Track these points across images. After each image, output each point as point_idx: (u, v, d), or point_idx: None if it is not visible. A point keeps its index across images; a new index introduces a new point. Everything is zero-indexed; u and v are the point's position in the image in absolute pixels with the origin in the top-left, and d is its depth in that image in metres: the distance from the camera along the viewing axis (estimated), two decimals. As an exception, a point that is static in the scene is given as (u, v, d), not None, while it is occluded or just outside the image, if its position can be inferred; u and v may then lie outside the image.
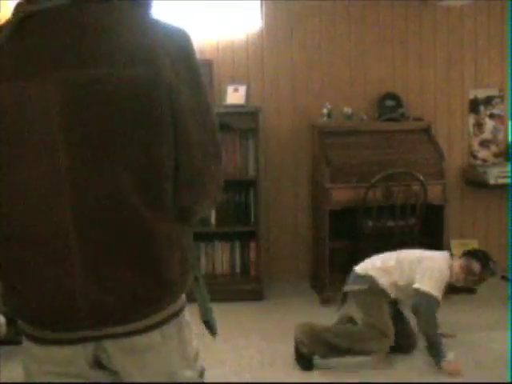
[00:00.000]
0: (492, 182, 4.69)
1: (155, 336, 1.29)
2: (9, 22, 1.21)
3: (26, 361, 1.33)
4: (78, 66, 1.17)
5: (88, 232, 1.21)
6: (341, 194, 4.32)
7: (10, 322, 3.04)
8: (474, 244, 5.04)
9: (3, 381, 3.12)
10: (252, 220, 4.60)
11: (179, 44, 1.28)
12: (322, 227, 4.46)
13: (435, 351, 3.29)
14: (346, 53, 4.87)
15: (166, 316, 1.30)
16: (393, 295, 3.39)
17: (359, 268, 3.49)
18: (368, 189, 4.18)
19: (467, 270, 3.44)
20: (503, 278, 4.87)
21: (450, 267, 3.41)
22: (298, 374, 3.33)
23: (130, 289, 1.23)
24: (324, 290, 4.48)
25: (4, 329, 3.10)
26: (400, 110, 4.77)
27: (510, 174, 4.68)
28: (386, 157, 4.43)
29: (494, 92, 5.01)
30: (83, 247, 1.21)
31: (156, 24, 1.26)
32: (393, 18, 4.89)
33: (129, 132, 1.19)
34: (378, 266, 3.44)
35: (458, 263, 3.45)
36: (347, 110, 4.73)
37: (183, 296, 1.37)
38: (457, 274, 3.42)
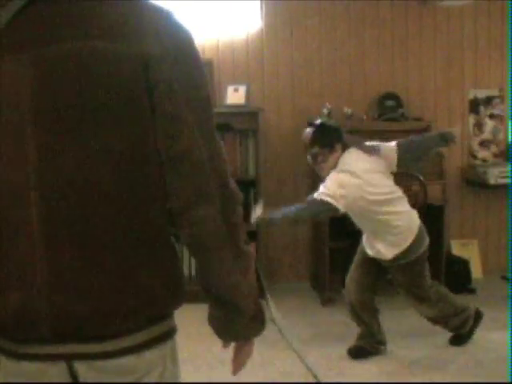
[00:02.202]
0: (492, 181, 4.69)
1: (131, 362, 1.09)
2: None
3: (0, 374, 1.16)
4: (52, 40, 1.07)
5: (55, 228, 1.05)
6: (341, 194, 4.31)
7: None
8: (474, 244, 5.04)
9: None
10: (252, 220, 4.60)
11: (179, 37, 1.16)
12: (322, 227, 4.46)
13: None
14: (345, 53, 4.87)
15: (148, 339, 1.11)
16: None
17: None
18: (368, 189, 4.17)
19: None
20: (503, 277, 4.88)
21: None
22: (298, 374, 3.33)
23: (101, 298, 1.06)
24: (324, 290, 4.48)
25: None
26: (400, 110, 4.77)
27: (510, 174, 4.68)
28: (386, 157, 4.42)
29: (493, 92, 5.01)
30: (49, 246, 1.05)
31: (153, 9, 1.13)
32: (393, 18, 4.89)
33: (102, 110, 1.05)
34: None
35: None
36: (347, 110, 4.73)
37: (172, 319, 1.18)
38: None
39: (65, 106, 1.05)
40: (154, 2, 1.15)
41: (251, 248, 1.17)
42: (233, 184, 1.15)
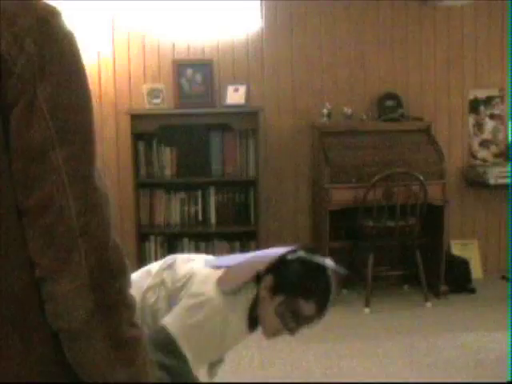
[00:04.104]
0: (492, 181, 4.69)
1: None
2: None
3: None
4: None
5: None
6: (341, 194, 4.32)
7: None
8: (474, 244, 5.04)
9: None
10: (252, 220, 4.61)
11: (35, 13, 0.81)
12: (322, 227, 4.46)
13: None
14: (345, 53, 4.87)
15: None
16: None
17: None
18: (368, 189, 4.18)
19: None
20: (503, 277, 4.88)
21: None
22: (298, 374, 3.33)
23: None
24: (324, 290, 4.48)
25: None
26: (400, 110, 4.77)
27: (509, 174, 4.67)
28: (386, 157, 4.43)
29: (493, 92, 5.00)
30: None
31: None
32: (393, 18, 4.89)
33: None
34: None
35: None
36: (347, 109, 4.73)
37: None
38: None
39: None
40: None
41: (140, 331, 0.89)
42: (114, 250, 0.85)
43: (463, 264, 4.71)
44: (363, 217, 4.26)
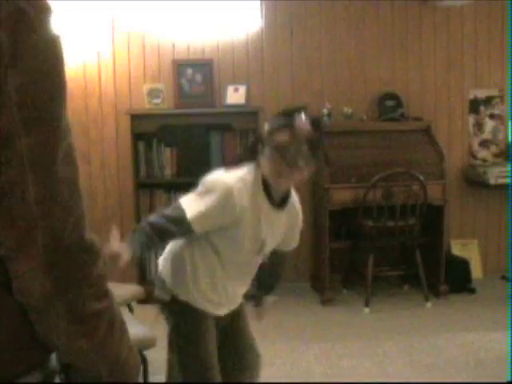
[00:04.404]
0: (492, 181, 4.69)
1: None
2: None
3: None
4: None
5: None
6: (341, 194, 4.32)
7: None
8: (474, 244, 5.04)
9: None
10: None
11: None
12: (322, 227, 4.46)
13: None
14: (345, 53, 4.87)
15: None
16: None
17: None
18: (368, 189, 4.18)
19: None
20: (503, 277, 4.88)
21: None
22: (298, 374, 3.33)
23: None
24: (324, 290, 4.48)
25: None
26: (400, 110, 4.77)
27: (509, 174, 4.67)
28: (386, 157, 4.43)
29: (493, 92, 5.00)
30: None
31: None
32: (393, 18, 4.89)
33: None
34: None
35: None
36: (347, 110, 4.73)
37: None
38: None
39: None
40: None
41: (106, 304, 0.94)
42: (76, 237, 0.89)
43: (463, 264, 4.72)
44: (363, 217, 4.26)
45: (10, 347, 0.91)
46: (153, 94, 4.57)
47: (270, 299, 2.38)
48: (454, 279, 4.58)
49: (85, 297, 0.91)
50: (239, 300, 2.30)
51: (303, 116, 2.02)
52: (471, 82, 4.99)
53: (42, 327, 0.92)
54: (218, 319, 2.21)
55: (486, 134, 5.04)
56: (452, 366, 3.38)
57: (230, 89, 4.65)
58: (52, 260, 0.87)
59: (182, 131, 4.65)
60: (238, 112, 4.53)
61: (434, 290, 4.49)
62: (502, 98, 5.01)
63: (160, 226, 2.04)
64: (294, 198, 2.19)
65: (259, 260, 2.23)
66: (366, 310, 4.27)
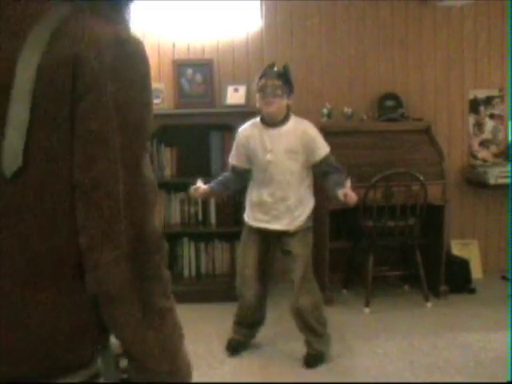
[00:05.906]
0: (492, 181, 4.69)
1: None
2: None
3: None
4: None
5: None
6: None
7: None
8: (474, 244, 5.04)
9: None
10: (252, 220, 4.61)
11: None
12: (322, 227, 4.46)
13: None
14: (346, 53, 4.87)
15: None
16: None
17: None
18: (368, 189, 4.18)
19: None
20: (503, 278, 4.88)
21: None
22: (298, 374, 3.33)
23: None
24: (324, 289, 4.47)
25: None
26: (400, 110, 4.77)
27: (509, 174, 4.67)
28: (386, 157, 4.43)
29: (493, 92, 5.00)
30: None
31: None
32: (393, 18, 4.89)
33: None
34: None
35: None
36: (347, 110, 4.73)
37: (89, 369, 1.02)
38: None
39: None
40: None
41: (171, 304, 1.00)
42: (152, 232, 0.97)
43: (463, 264, 4.72)
44: (363, 217, 4.26)
45: (73, 338, 0.96)
46: (153, 94, 4.56)
47: (347, 184, 3.37)
48: (454, 279, 4.58)
49: (156, 292, 0.97)
50: (284, 220, 3.45)
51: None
52: (471, 82, 4.99)
53: (113, 318, 0.96)
54: (265, 234, 3.43)
55: (486, 134, 5.04)
56: (452, 366, 3.38)
57: (230, 89, 4.65)
58: (134, 250, 0.93)
59: (181, 131, 4.65)
60: (238, 112, 4.53)
61: (434, 290, 4.49)
62: (501, 98, 5.01)
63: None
64: (302, 123, 3.44)
65: (277, 170, 3.32)
66: (366, 310, 4.27)
